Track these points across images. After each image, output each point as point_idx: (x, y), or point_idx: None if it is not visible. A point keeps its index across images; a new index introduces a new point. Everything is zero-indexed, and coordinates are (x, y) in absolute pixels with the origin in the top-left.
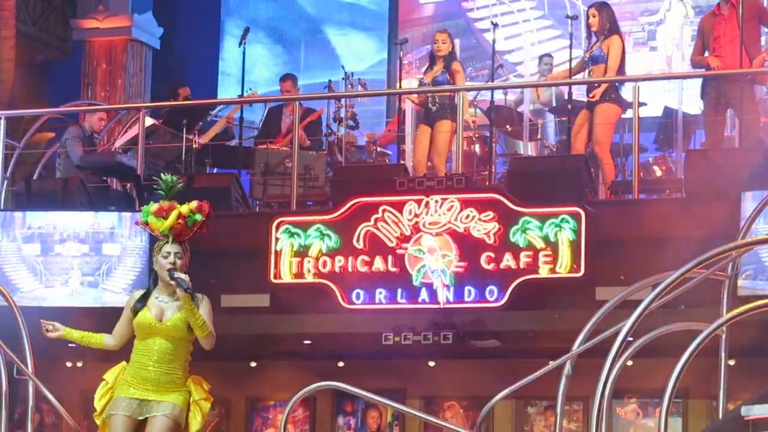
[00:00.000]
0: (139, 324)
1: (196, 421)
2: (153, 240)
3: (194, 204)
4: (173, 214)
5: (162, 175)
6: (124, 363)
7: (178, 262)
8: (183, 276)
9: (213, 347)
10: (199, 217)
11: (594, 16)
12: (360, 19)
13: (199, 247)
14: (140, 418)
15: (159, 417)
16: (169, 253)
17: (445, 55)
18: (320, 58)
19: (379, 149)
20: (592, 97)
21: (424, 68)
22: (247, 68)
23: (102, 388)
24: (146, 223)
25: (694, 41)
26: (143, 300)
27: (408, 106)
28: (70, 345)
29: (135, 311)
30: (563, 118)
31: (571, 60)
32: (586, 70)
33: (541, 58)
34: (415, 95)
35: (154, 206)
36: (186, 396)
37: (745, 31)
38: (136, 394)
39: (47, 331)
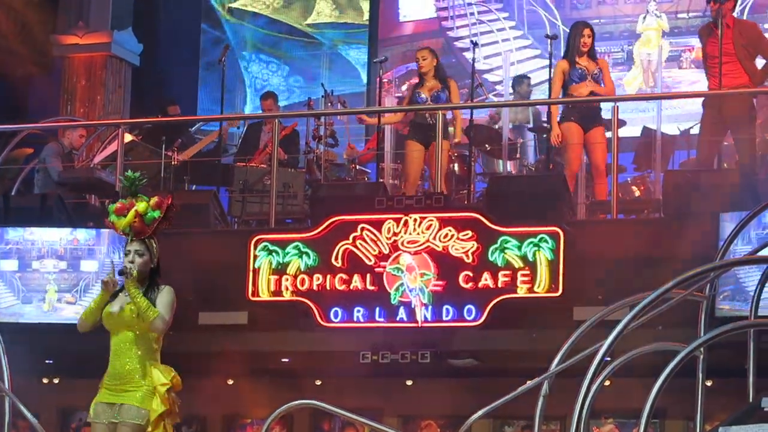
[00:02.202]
0: (103, 318)
1: (153, 408)
2: None
3: (153, 200)
4: (130, 213)
5: (127, 171)
6: None
7: (137, 259)
8: (127, 264)
9: (162, 332)
10: (157, 214)
11: (590, 36)
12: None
13: (178, 264)
14: (114, 421)
15: (121, 427)
16: (129, 251)
17: (430, 71)
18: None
19: (358, 167)
20: None
21: (404, 85)
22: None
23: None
24: (111, 222)
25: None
26: (114, 296)
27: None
28: (47, 361)
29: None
30: (543, 135)
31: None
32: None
33: (516, 79)
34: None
35: (117, 204)
36: (146, 389)
37: (742, 55)
38: (106, 397)
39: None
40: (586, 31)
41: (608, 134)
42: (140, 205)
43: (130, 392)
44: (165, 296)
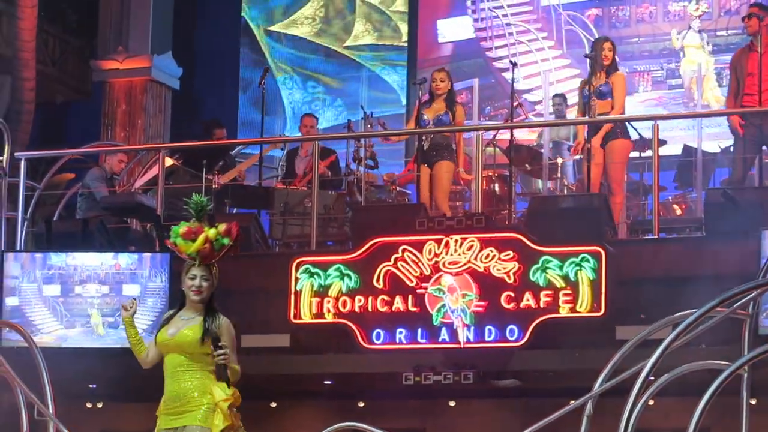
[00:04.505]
0: (157, 341)
1: (216, 423)
2: (172, 280)
3: (222, 227)
4: (200, 238)
5: (193, 195)
6: None
7: (204, 284)
8: (221, 356)
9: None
10: (227, 241)
11: (610, 50)
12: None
13: (220, 287)
14: None
15: None
16: (195, 276)
17: (443, 94)
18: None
19: (398, 189)
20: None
21: (422, 103)
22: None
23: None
24: (175, 244)
25: (715, 76)
26: (169, 319)
27: None
28: (90, 386)
29: (158, 329)
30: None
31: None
32: (590, 104)
33: (552, 98)
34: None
35: (182, 227)
36: (207, 407)
37: None
38: (167, 423)
39: (125, 308)
40: (606, 45)
41: (636, 153)
42: (211, 232)
43: (191, 412)
44: (230, 338)
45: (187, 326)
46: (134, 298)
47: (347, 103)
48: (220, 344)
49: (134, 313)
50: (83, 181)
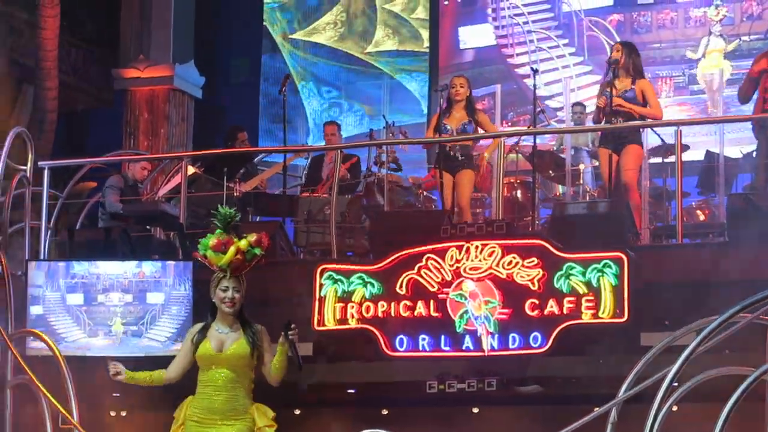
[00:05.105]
0: (200, 356)
1: None
2: (196, 288)
3: (253, 237)
4: (231, 249)
5: (219, 207)
6: (190, 397)
7: (236, 296)
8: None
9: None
10: (258, 251)
11: (618, 51)
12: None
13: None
14: None
15: None
16: (227, 287)
17: (462, 101)
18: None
19: (425, 194)
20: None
21: (442, 111)
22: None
23: (173, 425)
24: (205, 257)
25: (733, 81)
26: (203, 332)
27: None
28: (114, 395)
29: (196, 344)
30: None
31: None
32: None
33: (572, 106)
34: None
35: (212, 240)
36: (249, 424)
37: None
38: (197, 430)
39: (116, 374)
40: (615, 46)
41: (658, 158)
42: (242, 243)
43: (228, 426)
44: (268, 341)
45: (233, 341)
46: (109, 361)
47: (369, 111)
48: (291, 325)
49: (122, 375)
50: (102, 189)
